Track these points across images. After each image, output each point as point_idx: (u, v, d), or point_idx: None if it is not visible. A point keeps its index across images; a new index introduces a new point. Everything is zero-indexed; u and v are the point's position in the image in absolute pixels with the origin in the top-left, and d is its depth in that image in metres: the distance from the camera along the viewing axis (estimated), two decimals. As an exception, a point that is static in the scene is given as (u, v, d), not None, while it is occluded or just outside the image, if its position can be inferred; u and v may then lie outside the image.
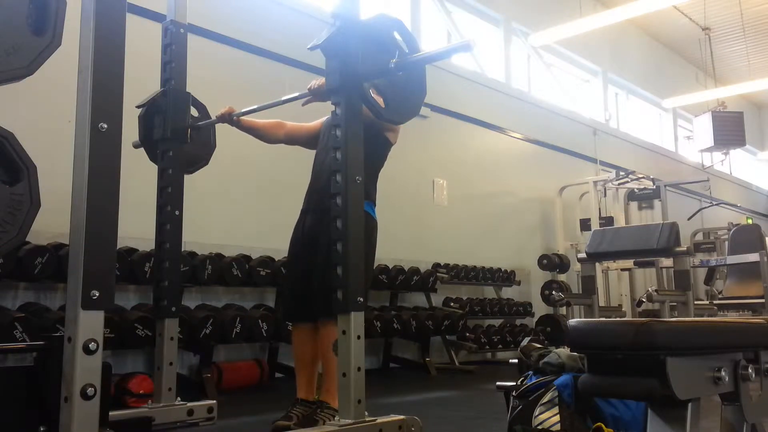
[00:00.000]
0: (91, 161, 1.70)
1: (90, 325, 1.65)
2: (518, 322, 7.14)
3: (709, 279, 8.28)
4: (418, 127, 6.73)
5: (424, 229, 6.72)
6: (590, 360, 1.34)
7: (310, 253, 2.91)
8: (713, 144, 10.55)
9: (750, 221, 10.32)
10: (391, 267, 5.67)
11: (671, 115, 12.81)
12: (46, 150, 3.43)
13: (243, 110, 3.04)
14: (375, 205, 2.87)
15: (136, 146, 2.99)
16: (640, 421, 2.13)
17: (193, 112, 3.08)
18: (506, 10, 8.50)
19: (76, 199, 1.71)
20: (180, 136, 2.86)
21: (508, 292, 7.38)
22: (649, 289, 4.10)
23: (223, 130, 4.85)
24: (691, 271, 4.69)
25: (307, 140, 3.22)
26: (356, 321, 2.31)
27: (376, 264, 5.53)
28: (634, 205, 9.15)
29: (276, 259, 4.71)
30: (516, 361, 2.53)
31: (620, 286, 8.16)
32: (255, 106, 2.93)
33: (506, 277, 7.21)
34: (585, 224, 8.17)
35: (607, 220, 8.07)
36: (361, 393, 2.27)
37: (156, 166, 2.87)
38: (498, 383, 2.49)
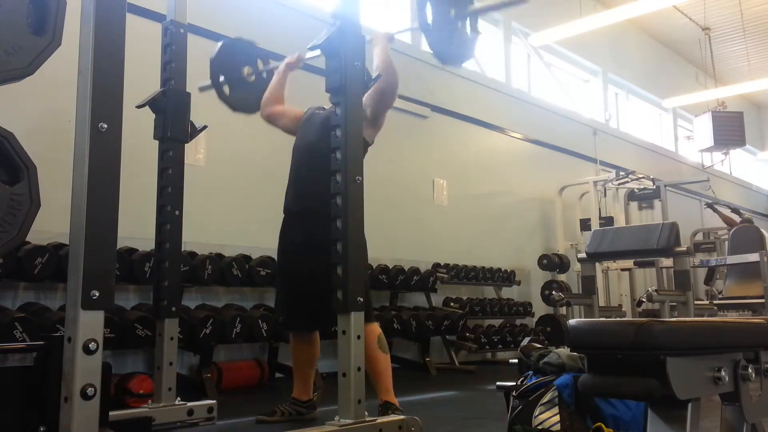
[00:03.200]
0: (91, 161, 1.70)
1: (90, 325, 1.65)
2: (518, 322, 7.14)
3: (709, 279, 8.28)
4: (418, 127, 6.74)
5: (424, 229, 6.72)
6: (590, 360, 1.34)
7: (308, 258, 2.90)
8: (713, 144, 10.55)
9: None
10: (391, 267, 5.67)
11: (671, 115, 12.81)
12: (46, 150, 3.43)
13: (308, 55, 3.19)
14: None
15: (202, 89, 3.35)
16: (640, 421, 2.12)
17: (260, 65, 3.54)
18: (506, 10, 8.50)
19: (76, 199, 1.71)
20: (180, 136, 2.86)
21: (508, 292, 7.38)
22: (649, 289, 4.10)
23: (223, 131, 4.85)
24: (691, 271, 4.69)
25: (289, 123, 3.26)
26: (356, 321, 2.31)
27: (376, 264, 5.56)
28: (634, 205, 9.15)
29: (276, 259, 4.70)
30: (516, 361, 2.53)
31: (620, 286, 8.16)
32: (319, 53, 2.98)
33: (506, 277, 7.21)
34: (585, 224, 8.17)
35: (607, 220, 8.07)
36: (361, 393, 2.28)
37: (156, 166, 2.87)
38: (498, 383, 2.49)
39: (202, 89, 3.40)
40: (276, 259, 4.70)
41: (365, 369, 2.36)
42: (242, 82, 3.48)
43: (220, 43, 3.46)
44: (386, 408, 2.81)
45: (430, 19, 2.62)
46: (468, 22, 2.83)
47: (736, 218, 8.02)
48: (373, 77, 2.89)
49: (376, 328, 2.88)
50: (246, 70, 3.49)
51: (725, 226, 8.32)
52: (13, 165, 1.52)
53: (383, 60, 2.91)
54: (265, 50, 3.63)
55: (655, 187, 8.76)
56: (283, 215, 3.13)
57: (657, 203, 9.04)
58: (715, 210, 8.19)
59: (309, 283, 2.89)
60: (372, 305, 3.09)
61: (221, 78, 3.42)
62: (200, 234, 4.50)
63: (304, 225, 2.96)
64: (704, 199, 9.13)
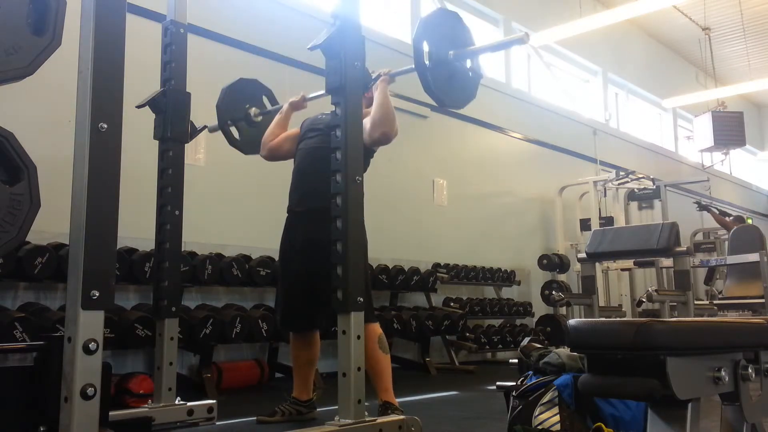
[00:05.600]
0: (91, 161, 1.70)
1: (90, 325, 1.65)
2: (518, 322, 7.14)
3: (709, 279, 8.28)
4: (418, 127, 6.74)
5: (424, 229, 6.72)
6: (590, 360, 1.34)
7: (308, 258, 2.90)
8: (713, 144, 10.55)
9: (750, 221, 10.31)
10: (391, 267, 5.67)
11: (671, 115, 12.81)
12: (46, 150, 3.43)
13: (311, 95, 3.25)
14: None
15: (212, 131, 3.38)
16: (640, 421, 2.13)
17: (266, 102, 3.55)
18: (506, 10, 8.50)
19: (76, 199, 1.71)
20: (180, 136, 2.86)
21: (508, 292, 7.38)
22: (649, 289, 4.10)
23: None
24: (691, 271, 4.69)
25: (289, 146, 3.25)
26: (356, 321, 2.31)
27: (376, 264, 5.56)
28: (634, 205, 9.15)
29: (276, 259, 4.70)
30: (516, 361, 2.54)
31: (620, 286, 8.16)
32: (323, 92, 2.97)
33: (506, 277, 7.21)
34: (585, 224, 8.17)
35: (607, 220, 8.07)
36: (361, 393, 2.28)
37: (156, 166, 2.88)
38: (498, 383, 2.49)
39: (212, 130, 3.41)
40: (276, 258, 4.74)
41: (365, 369, 2.36)
42: (250, 124, 3.48)
43: (223, 87, 3.43)
44: (386, 408, 2.81)
45: (427, 60, 2.52)
46: (468, 63, 2.73)
47: (733, 223, 7.97)
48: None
49: (377, 328, 2.88)
50: (253, 111, 3.48)
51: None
52: (13, 165, 1.52)
53: (382, 108, 2.90)
54: (268, 88, 3.61)
55: (655, 187, 8.77)
56: (286, 214, 3.14)
57: (657, 203, 9.04)
58: (709, 211, 8.15)
59: (309, 282, 2.89)
60: (373, 305, 3.09)
61: (229, 122, 3.42)
62: (200, 234, 4.50)
63: (305, 224, 2.97)
64: (702, 200, 9.11)
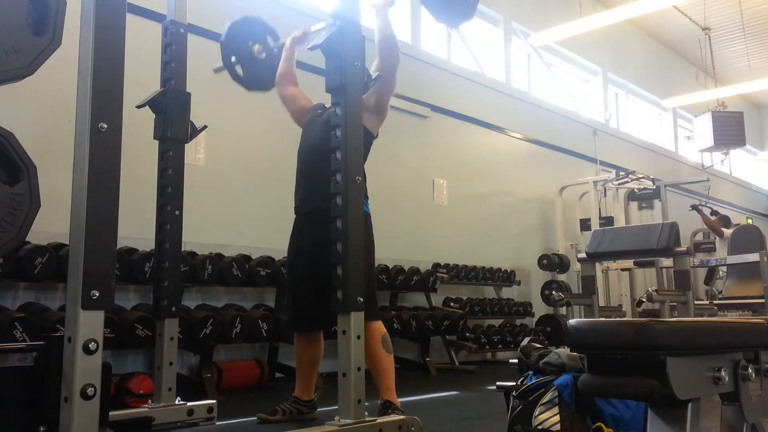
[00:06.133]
0: (91, 161, 1.70)
1: (90, 325, 1.65)
2: (518, 322, 7.14)
3: (709, 279, 8.28)
4: (417, 127, 6.74)
5: (424, 229, 6.72)
6: (590, 360, 1.34)
7: (315, 258, 2.90)
8: (713, 144, 10.55)
9: (750, 221, 10.32)
10: (391, 267, 5.67)
11: (671, 115, 12.81)
12: (46, 150, 3.43)
13: (313, 29, 3.28)
14: (368, 199, 2.86)
15: (217, 71, 3.43)
16: (640, 421, 2.12)
17: (269, 41, 3.55)
18: (506, 10, 8.50)
19: (76, 199, 1.71)
20: (180, 136, 2.86)
21: (508, 292, 7.38)
22: (649, 289, 4.10)
23: (223, 131, 4.85)
24: (691, 271, 4.69)
25: (295, 113, 3.32)
26: (356, 321, 2.31)
27: (376, 264, 5.55)
28: (634, 205, 9.15)
29: (276, 259, 4.70)
30: (516, 361, 2.53)
31: (620, 286, 8.16)
32: (324, 25, 2.98)
33: (506, 277, 7.21)
34: (585, 224, 8.17)
35: (607, 220, 8.07)
36: (361, 393, 2.28)
37: (156, 166, 2.87)
38: (498, 383, 2.49)
39: (217, 70, 3.47)
40: (277, 259, 4.75)
41: (367, 367, 2.36)
42: (254, 61, 3.52)
43: (228, 24, 3.48)
44: (386, 407, 2.81)
45: None
46: None
47: (718, 223, 7.92)
48: (373, 77, 2.89)
49: (380, 326, 2.88)
50: (256, 48, 3.52)
51: (735, 224, 8.17)
52: (13, 165, 1.52)
53: (384, 34, 2.90)
54: (272, 28, 3.65)
55: (655, 187, 8.76)
56: (284, 215, 3.14)
57: (657, 203, 9.04)
58: (699, 212, 8.13)
59: (315, 283, 2.89)
60: (377, 304, 3.08)
61: (233, 58, 3.46)
62: (200, 234, 4.50)
63: (312, 225, 2.97)
64: (702, 200, 9.11)
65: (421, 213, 6.75)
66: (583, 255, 4.08)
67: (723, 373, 1.28)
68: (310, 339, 3.14)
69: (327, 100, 2.80)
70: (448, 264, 6.57)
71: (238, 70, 3.48)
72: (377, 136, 3.05)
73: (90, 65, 1.74)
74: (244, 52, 3.49)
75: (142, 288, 4.21)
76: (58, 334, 2.05)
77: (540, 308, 7.55)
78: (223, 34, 3.45)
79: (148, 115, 2.87)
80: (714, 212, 8.26)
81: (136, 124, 2.85)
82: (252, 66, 3.50)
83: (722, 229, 7.68)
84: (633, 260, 6.82)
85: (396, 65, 2.97)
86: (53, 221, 2.74)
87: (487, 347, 6.38)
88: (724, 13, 10.81)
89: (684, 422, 1.24)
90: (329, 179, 2.44)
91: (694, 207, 8.27)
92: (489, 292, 7.27)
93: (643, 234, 3.79)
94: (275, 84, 3.40)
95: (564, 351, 2.34)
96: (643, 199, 9.07)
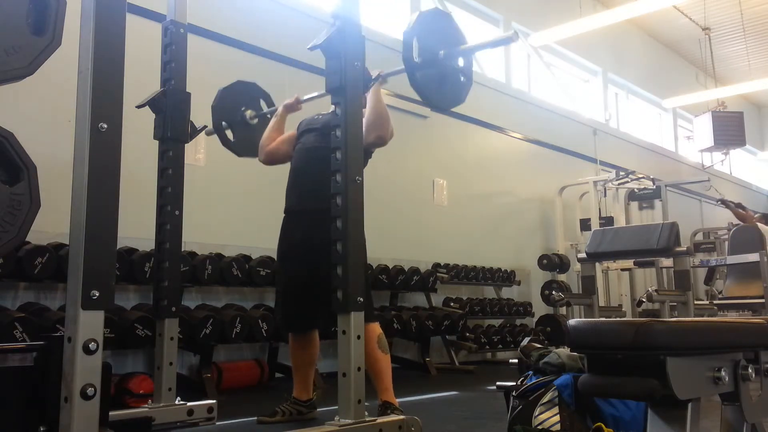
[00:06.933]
0: (91, 161, 1.70)
1: (90, 325, 1.65)
2: (518, 322, 7.14)
3: (709, 279, 8.27)
4: (418, 127, 6.74)
5: (424, 229, 6.72)
6: (590, 360, 1.34)
7: (307, 258, 2.90)
8: (713, 144, 10.55)
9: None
10: (391, 267, 5.67)
11: (671, 115, 12.81)
12: (46, 150, 3.43)
13: (305, 97, 3.29)
14: None
15: (208, 134, 3.38)
16: (640, 421, 2.13)
17: (263, 105, 3.56)
18: (506, 10, 8.50)
19: (76, 199, 1.71)
20: (180, 136, 2.86)
21: (508, 292, 7.38)
22: (649, 289, 4.10)
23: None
24: (691, 271, 4.69)
25: (287, 148, 3.24)
26: (356, 321, 2.31)
27: (376, 264, 5.56)
28: (634, 205, 9.15)
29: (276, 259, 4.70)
30: (516, 361, 2.54)
31: (620, 286, 8.16)
32: (317, 94, 2.96)
33: (506, 277, 7.21)
34: (585, 224, 8.17)
35: (607, 220, 8.07)
36: (361, 393, 2.28)
37: (156, 166, 2.87)
38: (498, 383, 2.50)
39: (208, 133, 3.41)
40: (276, 259, 4.74)
41: (365, 369, 2.36)
42: (245, 126, 3.49)
43: (220, 89, 3.46)
44: (386, 408, 2.81)
45: (417, 57, 2.49)
46: (459, 63, 2.68)
47: (747, 213, 7.89)
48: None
49: (376, 327, 2.88)
50: (249, 113, 3.49)
51: (735, 223, 8.17)
52: (13, 165, 1.52)
53: (376, 110, 2.90)
54: (265, 91, 3.63)
55: (655, 187, 8.76)
56: (283, 215, 3.14)
57: (657, 203, 9.04)
58: (728, 206, 8.08)
59: (308, 282, 2.89)
60: (373, 305, 3.08)
61: (224, 123, 3.43)
62: (200, 234, 4.50)
63: (304, 225, 2.97)
64: (705, 199, 9.10)
65: (421, 213, 6.75)
66: (583, 255, 4.08)
67: (723, 373, 1.28)
68: (305, 339, 3.14)
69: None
70: (448, 264, 6.57)
71: (229, 135, 3.45)
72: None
73: (90, 65, 1.74)
74: (236, 117, 3.47)
75: (142, 288, 4.21)
76: (58, 334, 2.05)
77: (540, 308, 7.55)
78: (215, 99, 3.43)
79: (148, 115, 2.87)
80: (739, 204, 8.22)
81: (136, 124, 2.85)
82: (243, 132, 3.47)
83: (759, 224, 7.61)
84: (633, 260, 6.82)
85: (387, 137, 2.96)
86: (53, 221, 2.74)
87: (487, 347, 6.38)
88: (724, 13, 10.80)
89: (684, 422, 1.24)
90: (324, 179, 2.43)
91: (722, 201, 8.22)
92: (489, 292, 7.27)
93: (643, 234, 3.79)
94: (259, 151, 3.29)
95: (564, 351, 2.34)
96: (643, 199, 9.07)
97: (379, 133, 2.90)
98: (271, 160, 3.29)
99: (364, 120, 2.84)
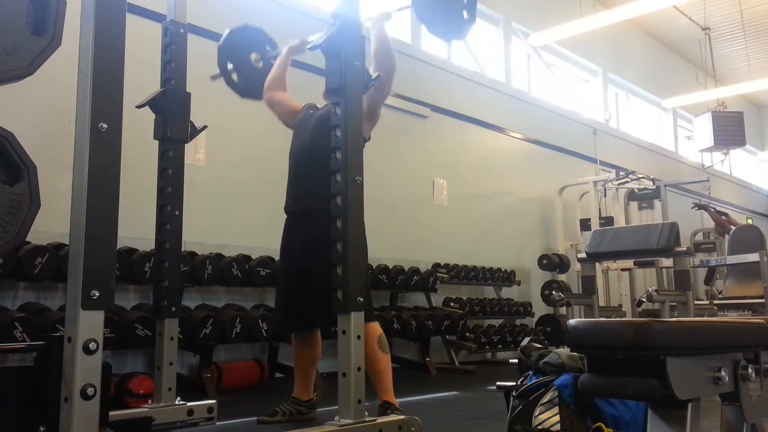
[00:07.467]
0: (91, 161, 1.70)
1: (90, 325, 1.65)
2: (518, 322, 7.14)
3: (709, 279, 8.27)
4: (417, 127, 6.74)
5: (424, 229, 6.72)
6: (590, 360, 1.34)
7: (307, 258, 2.90)
8: (713, 144, 10.55)
9: (750, 221, 10.31)
10: (391, 267, 5.67)
11: (671, 115, 12.81)
12: (46, 150, 3.43)
13: (311, 39, 3.28)
14: None
15: (214, 78, 3.42)
16: (640, 421, 2.13)
17: (268, 51, 3.56)
18: (506, 10, 8.50)
19: (76, 199, 1.71)
20: (180, 136, 2.86)
21: (508, 292, 7.38)
22: (649, 289, 4.10)
23: (223, 131, 4.84)
24: (691, 271, 4.69)
25: (284, 115, 3.30)
26: (356, 321, 2.31)
27: (376, 264, 5.56)
28: (634, 205, 9.15)
29: (276, 259, 4.70)
30: (516, 361, 2.53)
31: (620, 286, 8.16)
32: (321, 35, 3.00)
33: (506, 277, 7.21)
34: (585, 224, 8.17)
35: (607, 220, 8.07)
36: (361, 393, 2.28)
37: (156, 166, 2.87)
38: (498, 383, 2.50)
39: (213, 78, 3.46)
40: (277, 259, 4.74)
41: (365, 369, 2.36)
42: (250, 69, 3.51)
43: (227, 30, 3.48)
44: (386, 408, 2.81)
45: None
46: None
47: (726, 222, 7.88)
48: (373, 77, 2.89)
49: (376, 327, 2.89)
50: (254, 56, 3.51)
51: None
52: (13, 165, 1.52)
53: (380, 44, 2.91)
54: (271, 37, 3.65)
55: (655, 187, 8.76)
56: (285, 215, 3.14)
57: (657, 203, 9.04)
58: (707, 210, 8.06)
59: (308, 282, 2.90)
60: (372, 305, 3.08)
61: (229, 65, 3.45)
62: (200, 234, 4.50)
63: (303, 225, 2.97)
64: (702, 200, 9.09)
65: (421, 213, 6.75)
66: (583, 255, 4.08)
67: (723, 373, 1.28)
68: (307, 339, 3.14)
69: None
70: (448, 264, 6.57)
71: (234, 76, 3.47)
72: (369, 139, 3.05)
73: (90, 65, 1.74)
74: (242, 59, 3.49)
75: (142, 288, 4.21)
76: (58, 334, 2.05)
77: (540, 308, 7.55)
78: (221, 40, 3.45)
79: (148, 115, 2.87)
80: (723, 213, 8.21)
81: (136, 124, 2.85)
82: (248, 74, 3.49)
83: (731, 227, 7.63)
84: (633, 260, 6.82)
85: (392, 73, 2.97)
86: (53, 221, 2.74)
87: (487, 347, 6.38)
88: (724, 13, 10.81)
89: (684, 422, 1.24)
90: (322, 179, 2.43)
91: (699, 205, 8.20)
92: (489, 292, 7.27)
93: (643, 234, 3.79)
94: (264, 89, 3.36)
95: (564, 351, 2.34)
96: (643, 199, 9.07)
97: (390, 65, 2.93)
98: (269, 106, 3.36)
99: (373, 56, 2.89)
